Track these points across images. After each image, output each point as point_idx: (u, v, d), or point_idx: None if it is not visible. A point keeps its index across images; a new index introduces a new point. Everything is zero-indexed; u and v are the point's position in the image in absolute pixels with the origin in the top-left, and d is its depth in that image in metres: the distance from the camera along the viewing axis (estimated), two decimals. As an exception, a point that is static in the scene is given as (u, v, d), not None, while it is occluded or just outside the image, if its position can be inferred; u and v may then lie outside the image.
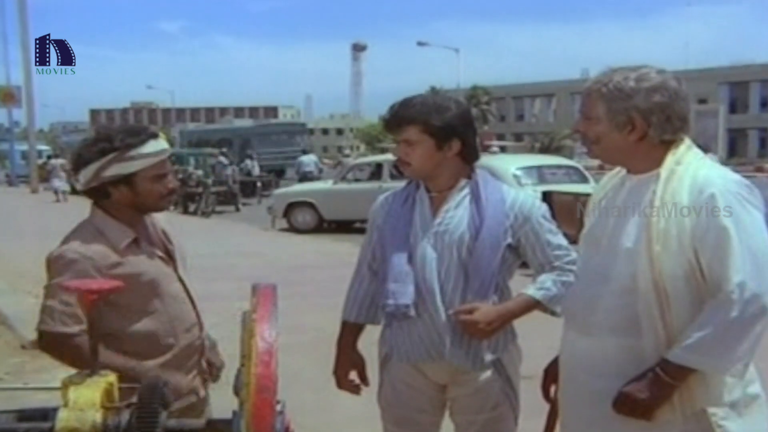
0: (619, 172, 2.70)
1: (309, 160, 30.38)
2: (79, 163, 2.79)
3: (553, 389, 2.87)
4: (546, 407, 2.94)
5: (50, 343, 2.73)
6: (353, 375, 3.24)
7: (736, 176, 2.49)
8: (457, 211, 2.99)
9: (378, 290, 3.12)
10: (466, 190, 3.02)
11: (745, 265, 2.27)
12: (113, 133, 2.78)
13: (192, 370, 2.97)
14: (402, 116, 3.00)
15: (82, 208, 2.98)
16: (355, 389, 3.23)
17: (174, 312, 2.87)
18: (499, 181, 3.19)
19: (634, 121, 2.46)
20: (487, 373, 3.01)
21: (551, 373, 2.86)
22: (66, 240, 2.80)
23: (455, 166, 3.01)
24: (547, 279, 2.99)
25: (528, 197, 3.11)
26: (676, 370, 2.35)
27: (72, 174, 2.93)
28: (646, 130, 2.46)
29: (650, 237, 2.38)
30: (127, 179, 2.77)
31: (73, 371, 1.84)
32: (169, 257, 2.95)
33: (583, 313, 2.58)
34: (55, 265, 2.74)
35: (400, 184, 3.21)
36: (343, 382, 3.23)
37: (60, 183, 28.13)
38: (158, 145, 2.82)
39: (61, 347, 2.69)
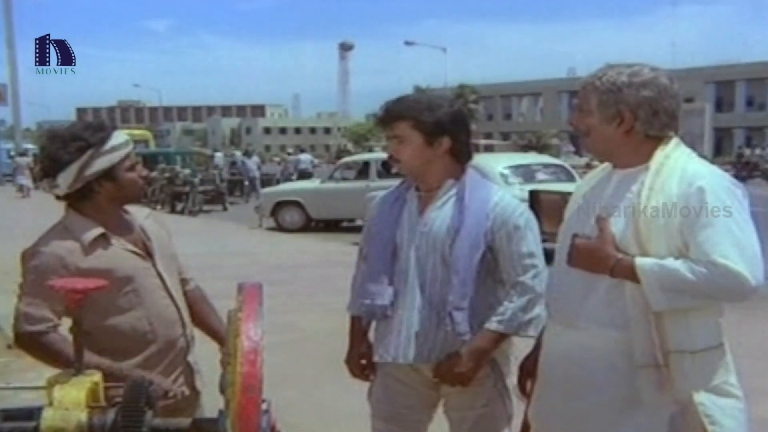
0: (604, 168, 2.74)
1: (305, 158, 32.97)
2: (56, 167, 2.76)
3: (529, 384, 2.90)
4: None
5: (23, 343, 2.76)
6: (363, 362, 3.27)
7: (723, 172, 2.56)
8: (441, 212, 3.00)
9: None
10: (453, 191, 3.02)
11: (735, 254, 2.34)
12: (79, 131, 2.78)
13: (175, 369, 2.96)
14: (393, 112, 3.02)
15: (50, 201, 2.98)
16: (366, 377, 3.27)
17: (152, 308, 2.87)
18: (490, 182, 3.20)
19: (623, 114, 2.52)
20: (480, 372, 3.00)
21: (527, 368, 2.91)
22: (37, 241, 2.81)
23: (445, 164, 3.02)
24: (507, 308, 2.95)
25: (512, 202, 3.08)
26: (627, 270, 2.42)
27: (46, 181, 2.87)
28: (633, 123, 2.53)
29: (638, 225, 2.44)
30: (109, 173, 2.78)
31: (57, 371, 1.83)
32: (147, 253, 2.93)
33: (570, 306, 2.61)
34: (25, 265, 2.77)
35: (388, 183, 3.24)
36: (355, 371, 3.27)
37: (25, 180, 30.31)
38: (123, 136, 2.87)
39: (33, 346, 2.72)
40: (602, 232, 2.50)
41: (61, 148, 2.75)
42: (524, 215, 3.04)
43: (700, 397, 2.46)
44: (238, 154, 34.66)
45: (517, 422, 3.04)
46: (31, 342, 2.71)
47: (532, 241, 3.00)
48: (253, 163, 29.94)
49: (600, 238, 2.50)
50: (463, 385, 2.97)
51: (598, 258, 2.48)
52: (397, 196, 3.11)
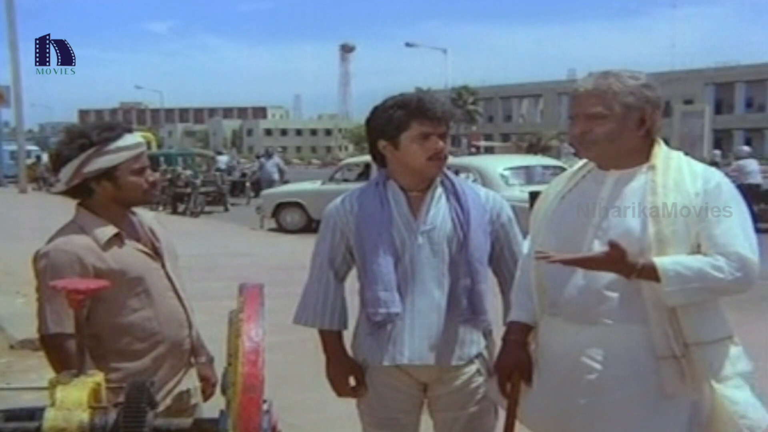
0: (581, 168, 2.80)
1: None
2: (58, 162, 2.80)
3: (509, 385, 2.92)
4: None
5: (50, 345, 2.73)
6: (351, 380, 3.14)
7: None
8: (438, 209, 2.98)
9: (342, 295, 3.10)
10: (440, 189, 3.02)
11: (748, 246, 2.49)
12: (89, 129, 2.80)
13: (181, 368, 2.97)
14: None
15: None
16: (354, 393, 3.14)
17: (161, 308, 2.88)
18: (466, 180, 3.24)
19: (646, 115, 2.59)
20: (472, 369, 3.03)
21: (506, 370, 2.87)
22: (51, 239, 2.81)
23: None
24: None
25: (498, 195, 3.18)
26: (651, 273, 2.46)
27: (53, 175, 2.92)
28: (653, 123, 2.61)
29: (660, 225, 2.50)
30: (109, 174, 2.79)
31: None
32: (156, 254, 2.95)
33: (586, 304, 2.62)
34: (40, 264, 2.75)
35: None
36: (342, 390, 3.14)
37: None
38: (134, 138, 2.86)
39: (59, 348, 2.67)
40: (622, 247, 2.48)
41: (66, 144, 2.79)
42: (509, 208, 3.15)
43: (722, 389, 2.55)
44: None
45: (499, 423, 3.07)
46: (59, 343, 2.66)
47: (518, 232, 3.11)
48: (272, 164, 27.90)
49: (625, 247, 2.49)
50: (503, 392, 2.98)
51: (624, 263, 2.48)
52: (380, 200, 3.01)
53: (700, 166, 2.63)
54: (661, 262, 2.45)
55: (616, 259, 2.46)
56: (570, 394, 2.68)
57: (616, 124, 2.58)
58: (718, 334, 2.58)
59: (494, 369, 2.96)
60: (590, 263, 2.56)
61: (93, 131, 2.78)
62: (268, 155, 29.54)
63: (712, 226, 2.49)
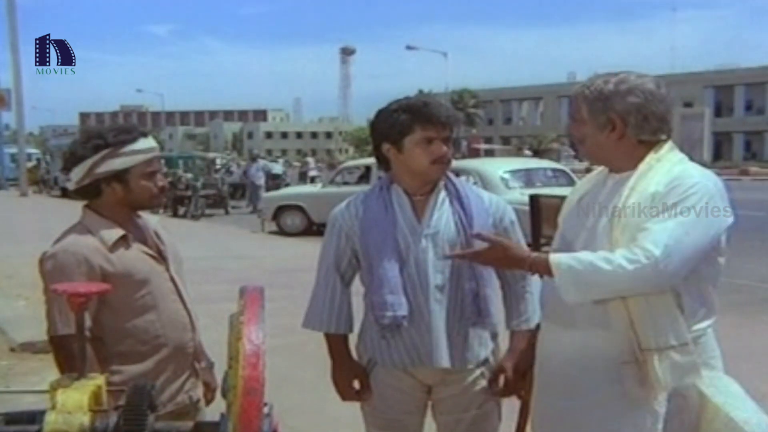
0: (601, 171, 2.80)
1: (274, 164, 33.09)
2: (71, 161, 2.81)
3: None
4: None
5: (56, 347, 2.74)
6: (356, 384, 3.14)
7: (715, 176, 2.60)
8: (441, 212, 2.99)
9: (348, 298, 3.10)
10: (444, 192, 3.03)
11: (662, 243, 2.34)
12: (105, 131, 2.82)
13: (184, 372, 2.97)
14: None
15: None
16: (359, 397, 3.14)
17: (165, 312, 2.88)
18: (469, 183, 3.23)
19: (614, 121, 2.59)
20: (477, 371, 3.04)
21: (519, 369, 2.97)
22: (57, 241, 2.82)
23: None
24: (527, 304, 3.07)
25: (501, 199, 3.19)
26: (543, 267, 2.50)
27: (63, 173, 2.92)
28: (624, 129, 2.59)
29: (613, 224, 2.50)
30: (120, 176, 2.81)
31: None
32: (162, 257, 2.96)
33: (562, 307, 2.62)
34: (47, 266, 2.75)
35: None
36: (347, 393, 3.14)
37: None
38: (149, 142, 2.88)
39: (67, 350, 2.66)
40: (500, 241, 2.60)
41: (82, 144, 2.81)
42: (512, 212, 3.14)
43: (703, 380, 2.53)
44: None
45: (512, 424, 3.08)
46: (68, 345, 2.64)
47: (521, 237, 3.10)
48: (257, 169, 27.51)
49: (505, 243, 2.61)
50: (517, 394, 3.05)
51: (510, 258, 2.57)
52: (384, 203, 3.02)
53: (680, 168, 2.53)
54: (556, 256, 2.47)
55: (498, 254, 2.57)
56: (551, 396, 2.71)
57: (588, 128, 2.64)
58: (669, 342, 2.48)
59: (504, 370, 3.03)
60: (477, 257, 2.65)
61: (109, 133, 2.80)
62: (254, 159, 28.89)
63: (651, 223, 2.40)
